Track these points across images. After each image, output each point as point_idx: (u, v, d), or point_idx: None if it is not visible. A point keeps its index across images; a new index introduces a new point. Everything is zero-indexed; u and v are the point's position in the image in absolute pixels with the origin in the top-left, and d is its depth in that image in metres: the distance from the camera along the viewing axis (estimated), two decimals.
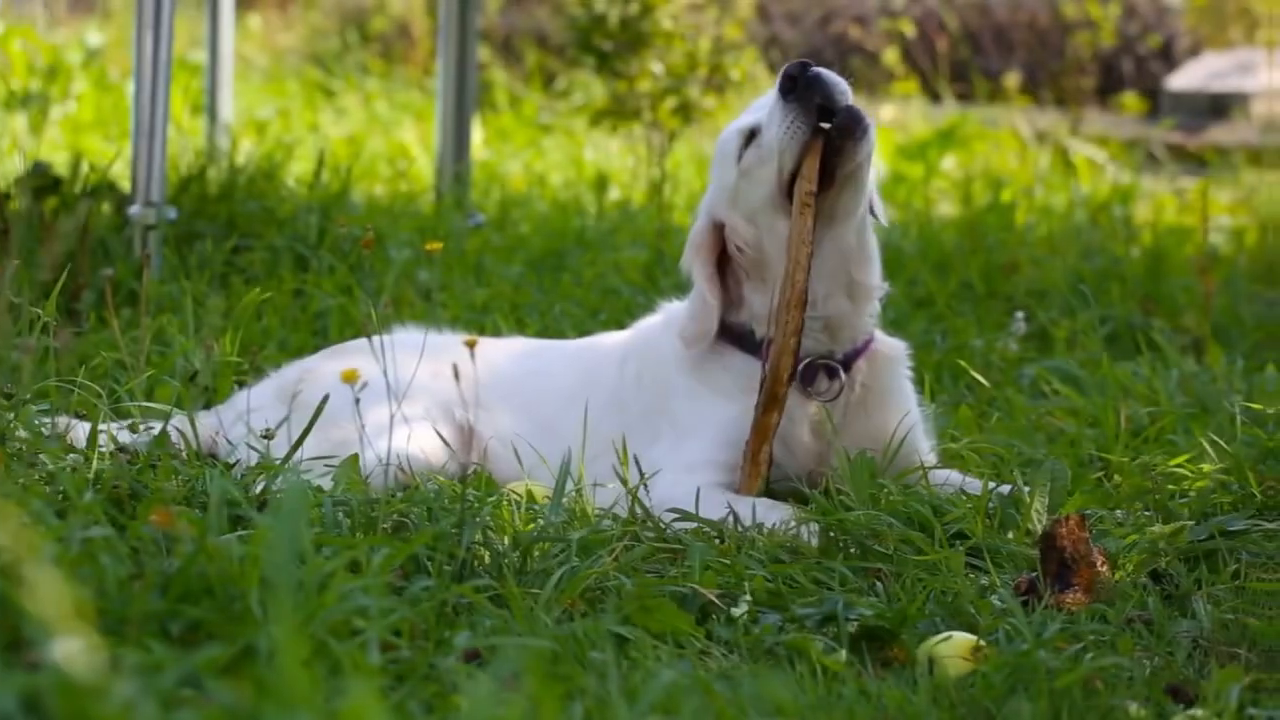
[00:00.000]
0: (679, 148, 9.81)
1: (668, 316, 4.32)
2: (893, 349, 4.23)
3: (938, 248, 6.94)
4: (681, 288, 5.86)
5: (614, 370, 4.32)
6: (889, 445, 4.10)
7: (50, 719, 2.24)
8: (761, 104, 4.10)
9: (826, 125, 3.97)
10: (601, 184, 8.51)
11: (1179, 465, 4.23)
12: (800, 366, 4.05)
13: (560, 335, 5.22)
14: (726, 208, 4.13)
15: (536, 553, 3.50)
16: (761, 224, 4.08)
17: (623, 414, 4.22)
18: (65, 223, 5.48)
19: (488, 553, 3.46)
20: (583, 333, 5.25)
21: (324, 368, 4.34)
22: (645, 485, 3.95)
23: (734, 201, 4.11)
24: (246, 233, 6.14)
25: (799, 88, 3.96)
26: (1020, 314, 5.77)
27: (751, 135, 4.06)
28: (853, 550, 3.77)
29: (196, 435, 3.96)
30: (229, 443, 4.04)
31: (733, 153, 4.09)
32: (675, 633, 3.26)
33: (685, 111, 8.75)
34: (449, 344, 4.32)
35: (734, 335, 4.15)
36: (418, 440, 4.08)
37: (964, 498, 4.02)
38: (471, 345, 3.83)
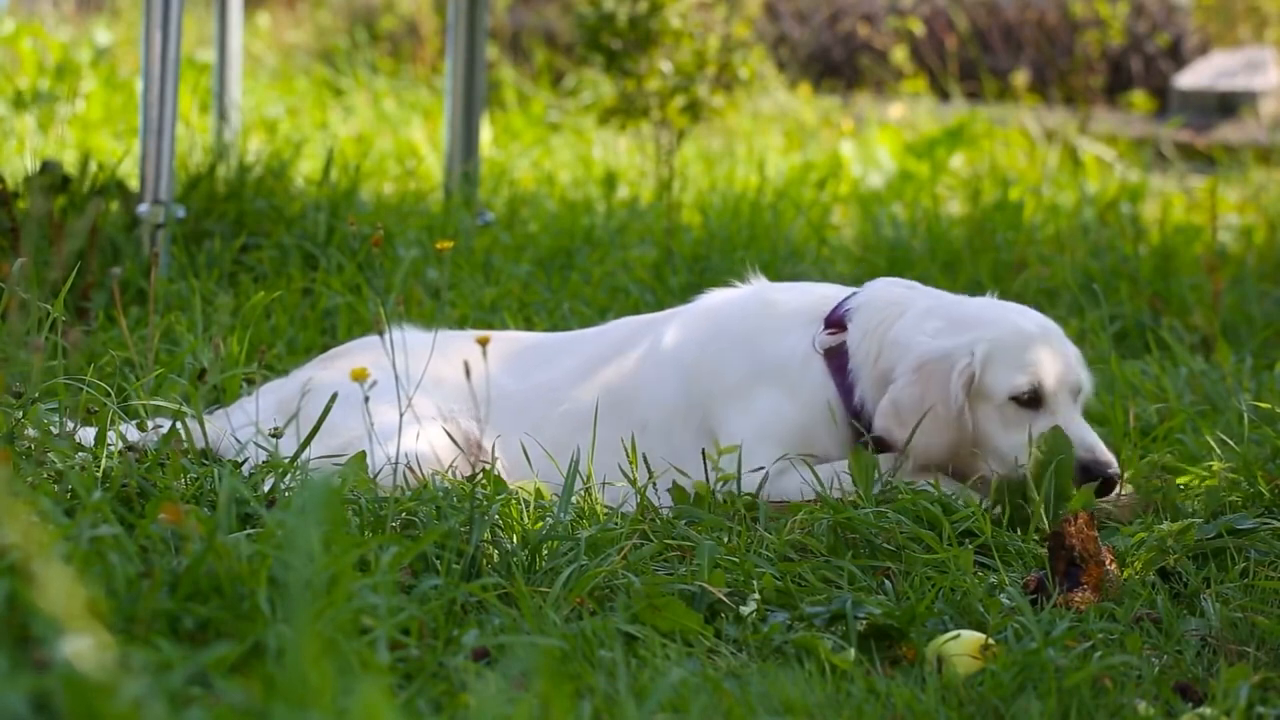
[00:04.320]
0: (687, 146, 9.81)
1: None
2: None
3: (946, 246, 6.94)
4: (688, 287, 5.86)
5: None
6: None
7: (60, 717, 2.25)
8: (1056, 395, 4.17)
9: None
10: (610, 182, 8.51)
11: (1190, 479, 4.22)
12: None
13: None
14: (974, 382, 4.15)
15: (545, 551, 3.51)
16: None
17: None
18: (74, 221, 5.49)
19: (496, 551, 3.46)
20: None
21: (324, 375, 4.33)
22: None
23: (977, 411, 4.16)
24: (255, 231, 6.14)
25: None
26: None
27: (1024, 398, 4.12)
28: (861, 548, 3.77)
29: (205, 434, 3.97)
30: (236, 440, 4.04)
31: (1007, 390, 4.12)
32: (684, 631, 3.26)
33: (694, 110, 8.73)
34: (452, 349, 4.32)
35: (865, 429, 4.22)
36: (426, 439, 4.08)
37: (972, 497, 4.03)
38: (484, 342, 3.83)
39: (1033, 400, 4.13)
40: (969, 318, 4.23)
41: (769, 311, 4.35)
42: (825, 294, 4.39)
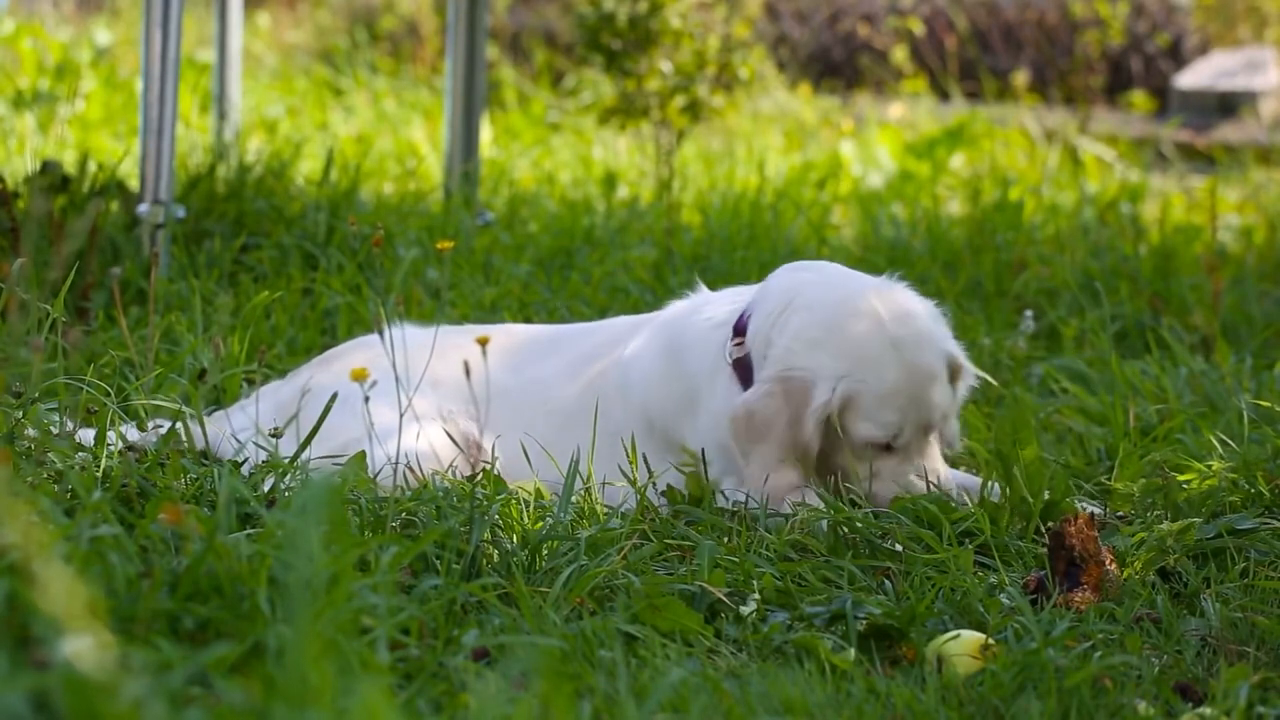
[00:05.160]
0: (687, 146, 9.81)
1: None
2: None
3: (946, 246, 6.94)
4: (688, 287, 5.86)
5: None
6: None
7: (60, 717, 2.24)
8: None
9: None
10: (610, 182, 8.51)
11: (1191, 477, 4.22)
12: None
13: None
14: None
15: (545, 551, 3.51)
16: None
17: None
18: (74, 221, 5.49)
19: (496, 551, 3.47)
20: None
21: (324, 377, 4.32)
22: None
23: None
24: (255, 231, 6.14)
25: None
26: (1029, 312, 5.76)
27: (878, 444, 4.03)
28: (862, 548, 3.77)
29: (205, 434, 3.96)
30: (236, 441, 4.04)
31: (862, 439, 4.02)
32: (684, 631, 3.26)
33: (694, 110, 8.72)
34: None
35: None
36: (426, 438, 4.08)
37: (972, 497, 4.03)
38: (484, 342, 3.82)
39: (885, 446, 4.04)
40: (851, 343, 4.02)
41: (692, 322, 4.26)
42: (741, 298, 4.25)
